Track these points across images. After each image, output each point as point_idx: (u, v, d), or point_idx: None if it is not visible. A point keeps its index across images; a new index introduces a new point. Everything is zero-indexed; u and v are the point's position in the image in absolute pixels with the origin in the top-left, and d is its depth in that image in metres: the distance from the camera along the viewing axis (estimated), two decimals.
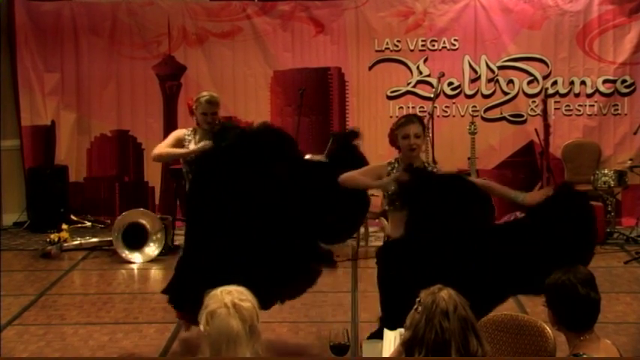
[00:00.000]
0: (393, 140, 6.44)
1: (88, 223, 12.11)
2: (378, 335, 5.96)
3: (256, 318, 3.67)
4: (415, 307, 3.79)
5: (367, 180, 6.29)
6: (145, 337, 7.59)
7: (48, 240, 10.79)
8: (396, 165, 6.31)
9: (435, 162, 10.96)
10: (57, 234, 10.83)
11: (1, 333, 7.71)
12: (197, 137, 7.68)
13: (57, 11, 12.23)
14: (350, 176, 6.32)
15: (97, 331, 7.81)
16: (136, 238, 10.35)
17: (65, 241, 10.78)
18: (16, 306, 8.55)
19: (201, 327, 3.64)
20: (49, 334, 7.77)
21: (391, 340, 4.30)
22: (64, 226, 11.04)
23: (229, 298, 3.64)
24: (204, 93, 7.91)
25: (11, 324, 8.02)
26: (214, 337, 3.58)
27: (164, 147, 7.88)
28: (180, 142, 7.76)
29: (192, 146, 7.61)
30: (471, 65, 12.04)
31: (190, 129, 7.83)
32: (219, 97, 12.12)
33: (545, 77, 11.97)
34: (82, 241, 10.93)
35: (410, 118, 6.46)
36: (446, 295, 3.76)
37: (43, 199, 11.92)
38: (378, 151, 9.97)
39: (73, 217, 12.03)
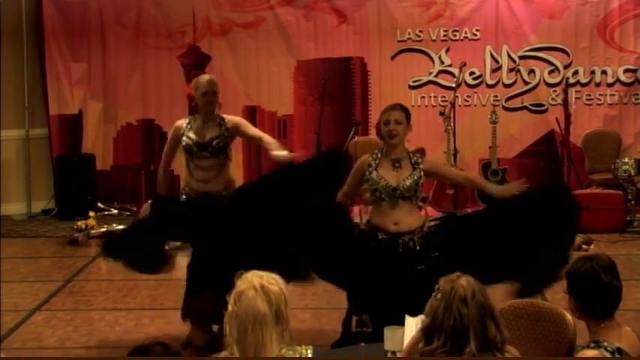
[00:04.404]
0: (379, 130, 6.44)
1: (115, 211, 12.27)
2: (341, 344, 6.03)
3: (284, 304, 3.72)
4: (434, 294, 3.81)
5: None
6: (171, 322, 7.65)
7: (75, 227, 10.95)
8: (379, 155, 6.30)
9: (456, 151, 11.07)
10: (84, 221, 10.97)
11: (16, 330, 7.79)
12: (195, 125, 7.24)
13: (83, 2, 12.36)
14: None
15: (123, 316, 7.92)
16: None
17: (92, 228, 10.89)
18: (44, 292, 8.70)
19: (229, 307, 3.67)
20: (76, 319, 7.88)
21: (412, 326, 4.29)
22: (91, 214, 11.18)
23: (258, 281, 3.69)
24: (204, 75, 7.61)
25: (40, 309, 8.15)
26: (241, 318, 3.62)
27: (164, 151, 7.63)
28: (176, 136, 7.31)
29: (187, 137, 7.17)
30: (492, 55, 12.09)
31: (188, 119, 7.39)
32: (243, 86, 12.31)
33: (566, 67, 12.01)
34: (109, 228, 11.01)
35: (393, 106, 6.47)
36: (464, 282, 3.77)
37: (71, 187, 12.06)
38: None
39: (99, 204, 12.18)
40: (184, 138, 7.18)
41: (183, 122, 7.33)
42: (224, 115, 7.33)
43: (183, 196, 7.13)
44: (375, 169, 6.26)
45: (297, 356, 3.77)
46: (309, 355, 3.80)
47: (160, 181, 7.58)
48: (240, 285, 3.70)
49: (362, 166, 6.36)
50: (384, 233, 6.16)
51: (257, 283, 3.68)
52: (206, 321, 6.98)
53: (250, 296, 3.64)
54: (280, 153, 6.87)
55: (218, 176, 7.10)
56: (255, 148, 12.33)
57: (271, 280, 3.74)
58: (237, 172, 7.95)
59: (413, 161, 6.29)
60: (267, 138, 7.22)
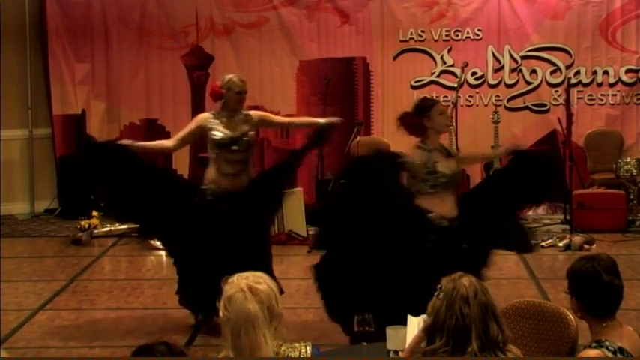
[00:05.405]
0: (417, 126, 6.43)
1: None
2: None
3: (275, 299, 3.72)
4: (437, 293, 3.81)
5: None
6: (174, 322, 7.70)
7: (78, 227, 10.97)
8: (431, 148, 6.36)
9: (458, 150, 11.09)
10: (87, 221, 10.99)
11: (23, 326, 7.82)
12: (224, 121, 7.34)
13: (87, 2, 12.38)
14: None
15: (126, 316, 7.94)
16: None
17: (95, 227, 10.93)
18: (47, 291, 8.72)
19: (221, 312, 3.69)
20: (79, 318, 7.91)
21: (414, 325, 4.30)
22: (95, 213, 11.12)
23: (245, 282, 3.70)
24: (232, 74, 7.61)
25: (43, 309, 8.17)
26: (233, 322, 3.64)
27: (179, 135, 7.66)
28: (202, 129, 7.37)
29: (218, 131, 7.25)
30: (494, 55, 12.10)
31: (212, 114, 7.45)
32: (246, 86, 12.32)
33: (568, 67, 12.02)
34: (112, 228, 11.04)
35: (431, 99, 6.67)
36: (466, 281, 3.78)
37: (74, 186, 12.08)
38: (403, 140, 10.06)
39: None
40: (215, 133, 7.26)
41: (208, 116, 7.43)
42: (246, 112, 7.46)
43: (208, 195, 7.30)
44: (435, 161, 6.36)
45: (297, 353, 3.78)
46: (308, 351, 3.81)
47: (156, 145, 7.91)
48: (229, 289, 3.71)
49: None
50: (446, 220, 6.34)
51: (244, 285, 3.70)
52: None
53: (239, 299, 3.66)
54: (327, 120, 7.57)
55: (246, 170, 7.33)
56: (257, 145, 12.37)
57: (258, 279, 3.75)
58: None
59: (446, 151, 6.55)
60: (297, 119, 7.50)
